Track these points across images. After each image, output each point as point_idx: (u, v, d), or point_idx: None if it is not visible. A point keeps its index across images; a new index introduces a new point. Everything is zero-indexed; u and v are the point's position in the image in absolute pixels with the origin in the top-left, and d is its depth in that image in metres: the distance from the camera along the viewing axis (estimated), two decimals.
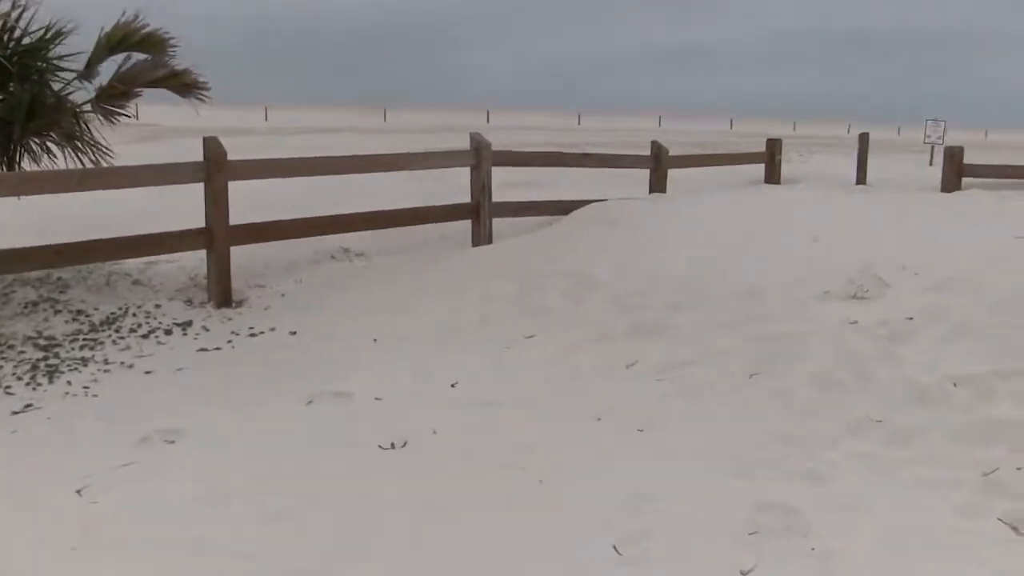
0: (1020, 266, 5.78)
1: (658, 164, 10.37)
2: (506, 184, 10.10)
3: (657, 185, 10.32)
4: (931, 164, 15.56)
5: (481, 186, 8.40)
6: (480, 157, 8.35)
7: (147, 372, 5.36)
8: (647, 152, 10.56)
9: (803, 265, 6.25)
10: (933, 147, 15.13)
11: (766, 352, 4.99)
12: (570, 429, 4.35)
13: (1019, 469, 3.69)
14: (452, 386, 5.03)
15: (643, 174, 10.63)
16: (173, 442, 4.27)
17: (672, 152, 10.60)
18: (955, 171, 10.47)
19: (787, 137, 20.28)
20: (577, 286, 6.42)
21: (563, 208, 9.05)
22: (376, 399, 4.84)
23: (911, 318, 5.17)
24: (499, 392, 4.86)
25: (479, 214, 8.40)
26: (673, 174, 10.49)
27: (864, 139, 11.63)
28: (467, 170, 8.50)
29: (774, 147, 12.55)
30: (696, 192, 10.33)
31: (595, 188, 10.61)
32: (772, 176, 12.69)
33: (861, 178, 11.89)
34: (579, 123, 49.47)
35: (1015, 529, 3.36)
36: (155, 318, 6.21)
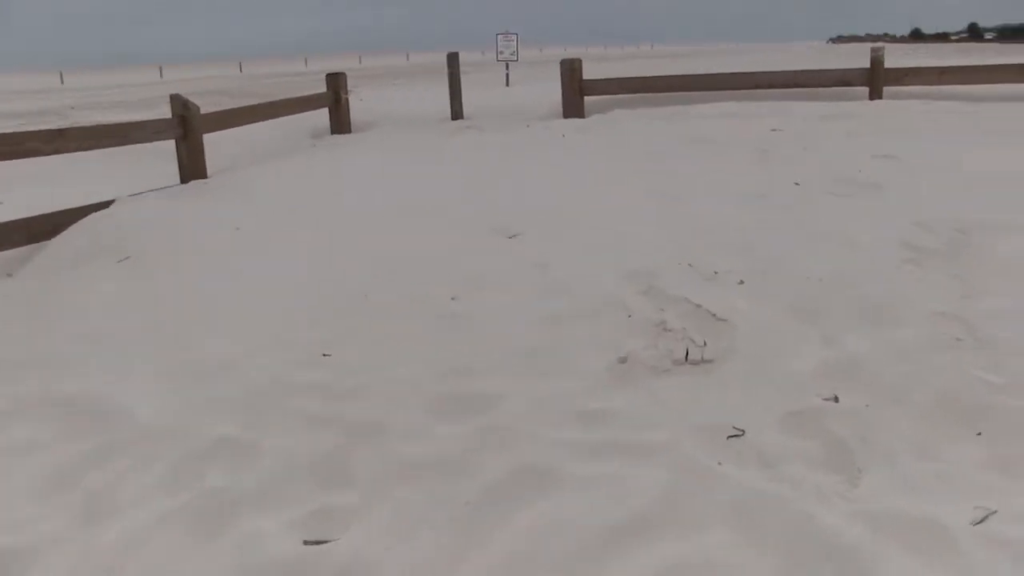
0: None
1: (188, 130, 6.72)
2: None
3: (192, 165, 6.69)
4: (507, 85, 13.53)
5: None
6: None
7: None
8: (167, 113, 6.89)
9: (543, 303, 3.35)
10: (508, 64, 13.04)
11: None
12: None
13: None
14: None
15: (166, 147, 6.98)
16: None
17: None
18: (577, 89, 8.13)
19: (301, 74, 17.40)
20: (90, 454, 2.81)
21: (41, 230, 5.22)
22: None
23: (836, 399, 2.52)
24: None
25: None
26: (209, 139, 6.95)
27: (454, 60, 8.86)
28: None
29: (338, 84, 9.37)
30: (256, 165, 6.96)
31: (93, 178, 6.81)
32: (341, 123, 9.58)
33: (457, 111, 9.16)
34: (62, 82, 41.54)
35: None
36: None
